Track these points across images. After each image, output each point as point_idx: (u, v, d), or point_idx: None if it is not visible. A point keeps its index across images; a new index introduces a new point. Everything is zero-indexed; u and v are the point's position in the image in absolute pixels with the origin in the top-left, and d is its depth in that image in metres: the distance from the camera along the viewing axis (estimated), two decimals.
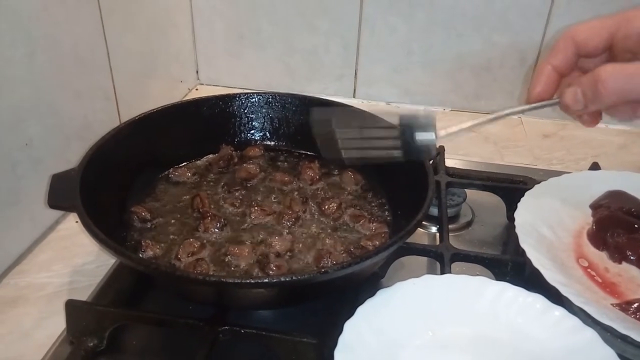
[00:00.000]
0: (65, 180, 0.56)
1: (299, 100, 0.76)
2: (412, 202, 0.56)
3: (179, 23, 1.01)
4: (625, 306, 0.52)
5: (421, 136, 0.50)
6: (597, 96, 0.46)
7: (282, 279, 0.47)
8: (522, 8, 0.93)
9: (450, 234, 0.64)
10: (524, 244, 0.56)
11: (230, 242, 0.59)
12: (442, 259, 0.59)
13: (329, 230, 0.62)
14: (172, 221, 0.63)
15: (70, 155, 0.69)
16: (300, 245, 0.60)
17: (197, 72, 1.11)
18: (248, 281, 0.46)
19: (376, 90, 1.06)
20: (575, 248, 0.61)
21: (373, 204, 0.67)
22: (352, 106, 0.73)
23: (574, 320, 0.49)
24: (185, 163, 0.73)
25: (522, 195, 0.64)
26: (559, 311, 0.50)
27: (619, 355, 0.46)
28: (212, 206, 0.65)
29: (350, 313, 0.48)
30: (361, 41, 1.01)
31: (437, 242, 0.66)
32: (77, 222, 0.68)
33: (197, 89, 1.10)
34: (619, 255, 0.59)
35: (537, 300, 0.51)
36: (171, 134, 0.71)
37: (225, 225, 0.61)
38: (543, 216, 0.62)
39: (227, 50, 1.08)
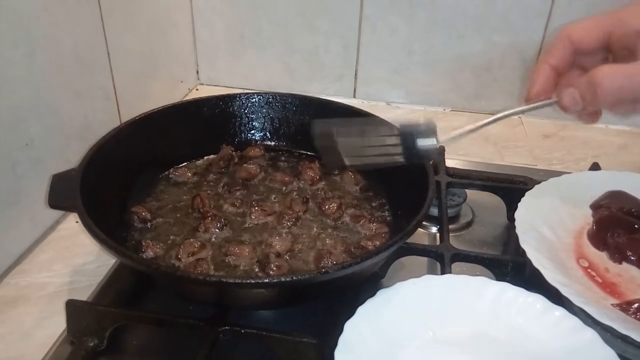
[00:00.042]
0: (66, 180, 0.56)
1: (299, 101, 0.76)
2: (412, 202, 0.56)
3: (179, 23, 1.02)
4: (625, 306, 0.52)
5: (423, 142, 0.50)
6: (594, 98, 0.46)
7: (283, 279, 0.47)
8: (523, 8, 0.93)
9: (450, 234, 0.64)
10: (524, 244, 0.56)
11: (230, 242, 0.60)
12: (443, 259, 0.59)
13: (329, 230, 0.62)
14: (173, 221, 0.63)
15: (70, 155, 0.69)
16: (301, 246, 0.60)
17: (197, 72, 1.11)
18: (248, 281, 0.46)
19: (376, 90, 1.06)
20: (576, 248, 0.61)
21: (373, 204, 0.67)
22: (352, 106, 0.74)
23: (574, 321, 0.49)
24: (185, 163, 0.73)
25: (523, 196, 0.64)
26: (559, 311, 0.50)
27: (619, 356, 0.46)
28: (213, 206, 0.65)
29: (350, 313, 0.48)
30: (361, 41, 1.01)
31: (438, 243, 0.66)
32: (77, 222, 0.68)
33: (197, 89, 1.10)
34: (619, 256, 0.59)
35: (537, 301, 0.51)
36: (171, 134, 0.71)
37: (225, 225, 0.62)
38: (543, 216, 0.62)
39: (227, 50, 1.08)
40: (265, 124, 0.78)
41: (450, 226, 0.68)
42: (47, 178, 0.58)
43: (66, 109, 0.70)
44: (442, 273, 0.58)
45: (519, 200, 0.63)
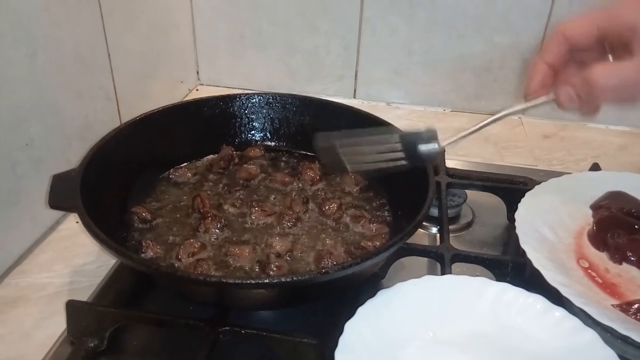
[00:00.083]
0: (66, 180, 0.56)
1: (300, 101, 0.76)
2: (412, 202, 0.56)
3: (179, 23, 1.02)
4: (625, 307, 0.52)
5: (425, 147, 0.52)
6: (590, 96, 0.46)
7: (283, 280, 0.47)
8: (523, 8, 0.93)
9: (450, 235, 0.64)
10: (525, 244, 0.56)
11: (230, 242, 0.60)
12: (443, 260, 0.59)
13: (330, 231, 0.62)
14: (173, 222, 0.63)
15: (70, 156, 0.69)
16: (301, 246, 0.60)
17: (197, 72, 1.11)
18: (248, 282, 0.46)
19: (377, 90, 1.06)
20: (576, 249, 0.61)
21: (373, 205, 0.67)
22: (352, 106, 0.74)
23: (575, 321, 0.49)
24: (185, 163, 0.73)
25: (523, 196, 0.64)
26: (559, 312, 0.50)
27: (620, 356, 0.46)
28: (213, 206, 0.65)
29: (350, 313, 0.48)
30: (362, 41, 1.01)
31: (438, 243, 0.66)
32: (77, 222, 0.68)
33: (197, 90, 1.11)
34: (619, 256, 0.59)
35: (537, 301, 0.51)
36: (172, 135, 0.71)
37: (225, 225, 0.62)
38: (543, 217, 0.62)
39: (227, 50, 1.08)
40: (266, 124, 0.78)
41: (451, 227, 0.68)
42: (47, 178, 0.58)
43: (67, 109, 0.70)
44: (443, 273, 0.58)
45: (519, 201, 0.63)
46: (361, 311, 0.49)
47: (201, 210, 0.63)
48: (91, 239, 0.49)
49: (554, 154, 0.92)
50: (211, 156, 0.74)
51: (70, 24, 0.69)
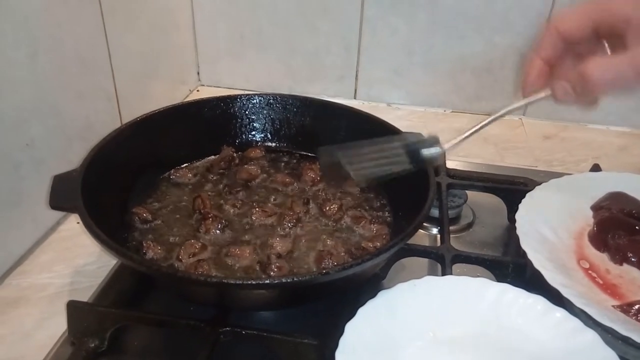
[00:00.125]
0: (67, 181, 0.56)
1: (300, 102, 0.76)
2: (413, 203, 0.56)
3: (180, 24, 1.02)
4: (626, 308, 0.52)
5: (427, 152, 0.53)
6: (586, 90, 0.47)
7: (284, 280, 0.47)
8: (523, 9, 0.93)
9: (451, 236, 0.64)
10: (525, 245, 0.56)
11: (231, 243, 0.60)
12: (443, 261, 0.59)
13: (330, 232, 0.62)
14: (174, 222, 0.63)
15: (71, 156, 0.69)
16: (301, 247, 0.60)
17: (198, 73, 1.11)
18: (249, 282, 0.46)
19: (377, 91, 1.06)
20: (577, 249, 0.61)
21: (374, 205, 0.67)
22: (352, 107, 0.74)
23: (575, 322, 0.49)
24: (186, 164, 0.73)
25: (523, 197, 0.64)
26: (560, 313, 0.50)
27: (620, 357, 0.46)
28: (213, 207, 0.65)
29: (351, 314, 0.49)
30: (362, 42, 1.01)
31: (438, 244, 0.66)
32: (78, 223, 0.68)
33: (198, 90, 1.11)
34: (620, 257, 0.59)
35: (538, 302, 0.51)
36: (172, 135, 0.71)
37: (226, 226, 0.62)
38: (544, 218, 0.62)
39: (228, 51, 1.08)
40: (266, 125, 0.78)
41: (451, 227, 0.69)
42: (48, 179, 0.58)
43: (68, 110, 0.70)
44: (443, 274, 0.58)
45: (520, 202, 0.63)
46: (362, 312, 0.49)
47: (202, 211, 0.63)
48: (92, 240, 0.49)
49: (555, 154, 0.92)
50: (212, 157, 0.74)
51: (70, 24, 0.69)
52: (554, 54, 0.51)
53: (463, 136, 0.54)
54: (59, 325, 0.55)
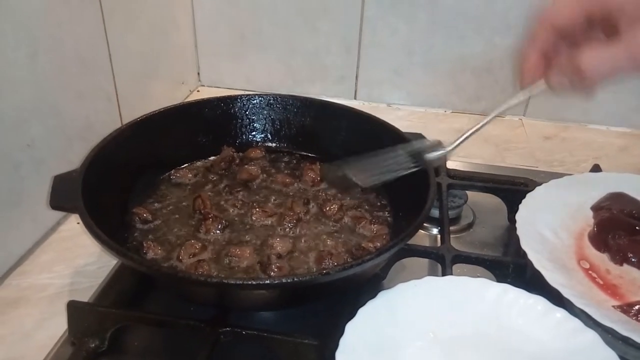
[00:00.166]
0: (67, 181, 0.56)
1: (300, 102, 0.76)
2: (413, 203, 0.56)
3: (180, 24, 1.02)
4: (626, 308, 0.52)
5: (431, 155, 0.55)
6: (581, 82, 0.47)
7: (284, 280, 0.47)
8: (523, 9, 0.93)
9: (451, 236, 0.64)
10: (525, 245, 0.56)
11: (231, 243, 0.60)
12: (444, 261, 0.59)
13: (330, 232, 0.62)
14: (174, 222, 0.63)
15: (72, 156, 0.69)
16: (302, 247, 0.60)
17: (198, 73, 1.11)
18: (249, 282, 0.46)
19: (377, 91, 1.06)
20: (577, 250, 0.61)
21: (374, 206, 0.67)
22: (352, 107, 0.74)
23: (575, 322, 0.49)
24: (186, 164, 0.73)
25: (523, 197, 0.64)
26: (560, 313, 0.50)
27: (620, 357, 0.46)
28: (214, 207, 0.65)
29: (351, 314, 0.49)
30: (362, 42, 1.01)
31: (439, 244, 0.66)
32: (78, 223, 0.68)
33: (198, 91, 1.11)
34: (620, 257, 0.59)
35: (538, 302, 0.51)
36: (173, 136, 0.71)
37: (226, 226, 0.62)
38: (544, 218, 0.62)
39: (228, 51, 1.08)
40: (266, 125, 0.78)
41: (451, 228, 0.69)
42: (48, 179, 0.58)
43: (68, 110, 0.70)
44: (443, 274, 0.58)
45: (520, 202, 0.63)
46: (362, 312, 0.49)
47: (202, 211, 0.63)
48: (92, 240, 0.49)
49: (555, 155, 0.92)
50: (212, 157, 0.74)
51: (71, 24, 0.69)
52: (549, 46, 0.51)
53: (464, 136, 0.54)
54: (59, 325, 0.55)
